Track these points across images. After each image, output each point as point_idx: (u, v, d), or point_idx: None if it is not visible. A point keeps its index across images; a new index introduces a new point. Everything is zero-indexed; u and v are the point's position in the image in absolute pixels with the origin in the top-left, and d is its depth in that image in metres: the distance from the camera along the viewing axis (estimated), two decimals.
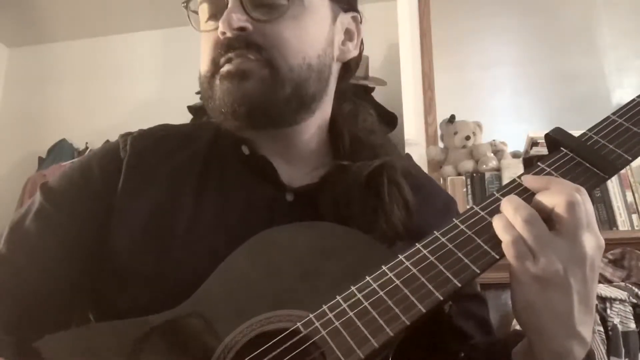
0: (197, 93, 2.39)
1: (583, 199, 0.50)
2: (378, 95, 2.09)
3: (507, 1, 2.41)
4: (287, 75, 0.65)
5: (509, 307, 1.71)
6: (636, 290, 1.66)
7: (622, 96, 2.26)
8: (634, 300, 1.65)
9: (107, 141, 2.53)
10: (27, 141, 2.72)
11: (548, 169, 0.56)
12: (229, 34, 0.64)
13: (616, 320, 1.61)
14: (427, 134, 2.16)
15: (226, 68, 0.65)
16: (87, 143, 2.62)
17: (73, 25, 2.73)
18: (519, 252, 0.49)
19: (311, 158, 0.73)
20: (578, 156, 0.55)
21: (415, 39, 2.22)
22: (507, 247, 0.49)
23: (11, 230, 0.67)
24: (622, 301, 1.63)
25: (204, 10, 0.69)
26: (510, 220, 0.50)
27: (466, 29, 2.40)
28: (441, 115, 2.20)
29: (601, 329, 1.59)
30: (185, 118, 2.30)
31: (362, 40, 0.77)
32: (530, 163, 1.74)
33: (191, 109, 2.34)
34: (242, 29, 0.64)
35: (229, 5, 0.64)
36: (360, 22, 0.76)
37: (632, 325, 1.61)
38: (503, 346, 0.61)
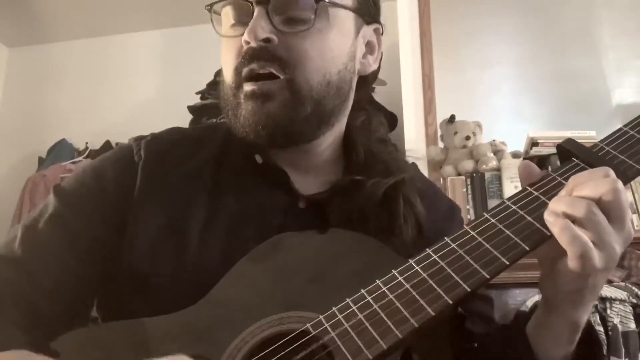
0: (197, 93, 2.39)
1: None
2: (378, 95, 2.08)
3: (507, 1, 2.41)
4: (307, 94, 0.65)
5: (510, 307, 1.72)
6: (636, 290, 1.66)
7: (622, 96, 2.27)
8: (634, 300, 1.65)
9: (107, 141, 2.54)
10: (27, 141, 2.72)
11: (559, 179, 0.56)
12: (253, 44, 0.64)
13: (616, 320, 1.61)
14: (427, 134, 2.16)
15: (250, 87, 0.65)
16: (87, 143, 2.62)
17: (73, 25, 2.73)
18: (585, 249, 0.49)
19: (324, 167, 0.74)
20: (589, 166, 0.55)
21: (415, 39, 2.21)
22: (579, 254, 0.49)
23: (25, 232, 0.67)
24: (622, 301, 1.64)
25: (227, 14, 0.68)
26: (570, 217, 0.50)
27: (466, 29, 2.40)
28: (441, 115, 2.20)
29: (601, 329, 1.59)
30: (186, 118, 2.30)
31: (382, 52, 0.76)
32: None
33: (191, 109, 2.34)
34: (267, 40, 0.64)
35: (255, 15, 0.64)
36: (382, 34, 0.75)
37: (632, 325, 1.61)
38: (516, 326, 0.62)
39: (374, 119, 0.79)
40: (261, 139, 0.65)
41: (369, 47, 0.74)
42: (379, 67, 0.77)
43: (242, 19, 0.66)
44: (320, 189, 0.71)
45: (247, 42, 0.64)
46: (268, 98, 0.64)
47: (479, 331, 0.67)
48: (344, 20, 0.69)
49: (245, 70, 0.65)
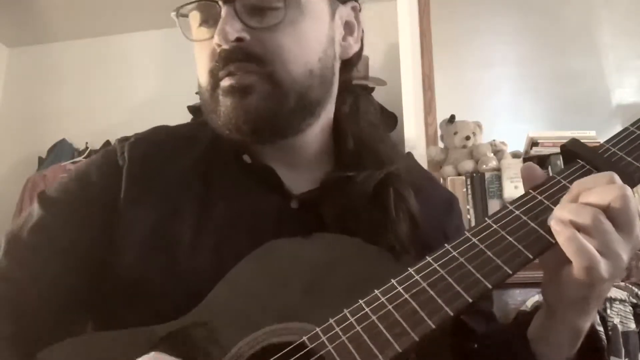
0: (197, 93, 2.38)
1: None
2: (378, 95, 2.09)
3: (507, 1, 2.41)
4: (290, 87, 0.62)
5: (510, 307, 1.72)
6: (636, 290, 1.66)
7: (622, 96, 2.26)
8: (634, 300, 1.65)
9: (107, 141, 2.53)
10: (27, 141, 2.72)
11: (564, 182, 0.54)
12: (225, 46, 0.61)
13: (616, 320, 1.61)
14: (427, 134, 2.16)
15: (228, 82, 0.62)
16: (87, 143, 2.62)
17: (73, 25, 2.72)
18: (591, 261, 0.47)
19: (315, 161, 0.71)
20: (595, 169, 0.53)
21: (415, 39, 2.21)
22: (585, 266, 0.47)
23: (9, 242, 0.65)
24: (622, 301, 1.64)
25: (195, 16, 0.66)
26: (576, 225, 0.48)
27: (466, 29, 2.40)
28: (441, 115, 2.20)
29: (601, 329, 1.59)
30: (186, 118, 2.29)
31: (362, 30, 0.72)
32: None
33: (191, 108, 2.34)
34: (239, 39, 0.61)
35: (223, 15, 0.61)
36: (360, 10, 0.72)
37: (632, 325, 1.61)
38: (516, 328, 0.61)
39: (362, 100, 0.76)
40: (244, 135, 0.63)
41: (348, 28, 0.71)
42: (361, 47, 0.73)
43: (211, 20, 0.63)
44: (312, 185, 0.68)
45: (219, 45, 0.61)
46: (247, 91, 0.62)
47: (480, 329, 0.66)
48: (317, 4, 0.66)
49: (221, 74, 0.63)
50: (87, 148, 2.61)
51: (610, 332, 1.59)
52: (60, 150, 2.60)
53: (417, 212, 0.67)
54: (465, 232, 0.53)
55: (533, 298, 1.71)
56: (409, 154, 0.79)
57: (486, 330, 0.67)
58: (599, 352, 0.59)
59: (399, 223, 0.65)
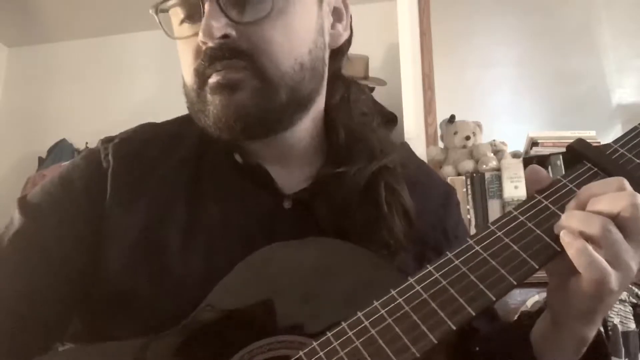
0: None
1: None
2: (378, 95, 2.09)
3: (507, 1, 2.41)
4: (280, 82, 0.59)
5: (510, 307, 1.72)
6: (636, 290, 1.66)
7: (622, 96, 2.26)
8: (634, 300, 1.65)
9: None
10: (27, 141, 2.71)
11: (570, 185, 0.52)
12: (211, 44, 0.58)
13: (616, 320, 1.61)
14: (427, 134, 2.16)
15: (215, 79, 0.59)
16: (87, 143, 2.62)
17: (73, 25, 2.72)
18: (602, 275, 0.45)
19: (306, 156, 0.69)
20: (602, 171, 0.51)
21: (415, 39, 2.21)
22: (595, 279, 0.45)
23: None
24: (622, 301, 1.64)
25: (176, 12, 0.62)
26: (585, 235, 0.46)
27: (466, 29, 2.40)
28: (441, 115, 2.20)
29: (601, 329, 1.59)
30: None
31: (350, 16, 0.69)
32: (530, 162, 1.74)
33: None
34: (225, 36, 0.58)
35: (207, 10, 0.57)
36: None
37: (632, 325, 1.61)
38: (516, 330, 0.60)
39: (352, 89, 0.73)
40: (235, 133, 0.60)
41: (336, 15, 0.68)
42: (351, 34, 0.70)
43: (195, 16, 0.60)
44: (305, 183, 0.66)
45: (204, 43, 0.58)
46: (236, 88, 0.59)
47: (484, 328, 0.65)
48: None
49: (208, 72, 0.59)
50: (87, 148, 2.60)
51: (610, 332, 1.59)
52: (60, 150, 2.60)
53: (411, 207, 0.65)
54: (468, 239, 0.51)
55: (533, 298, 1.71)
56: (404, 144, 0.76)
57: (489, 329, 0.65)
58: (603, 358, 0.57)
59: (392, 219, 0.62)
